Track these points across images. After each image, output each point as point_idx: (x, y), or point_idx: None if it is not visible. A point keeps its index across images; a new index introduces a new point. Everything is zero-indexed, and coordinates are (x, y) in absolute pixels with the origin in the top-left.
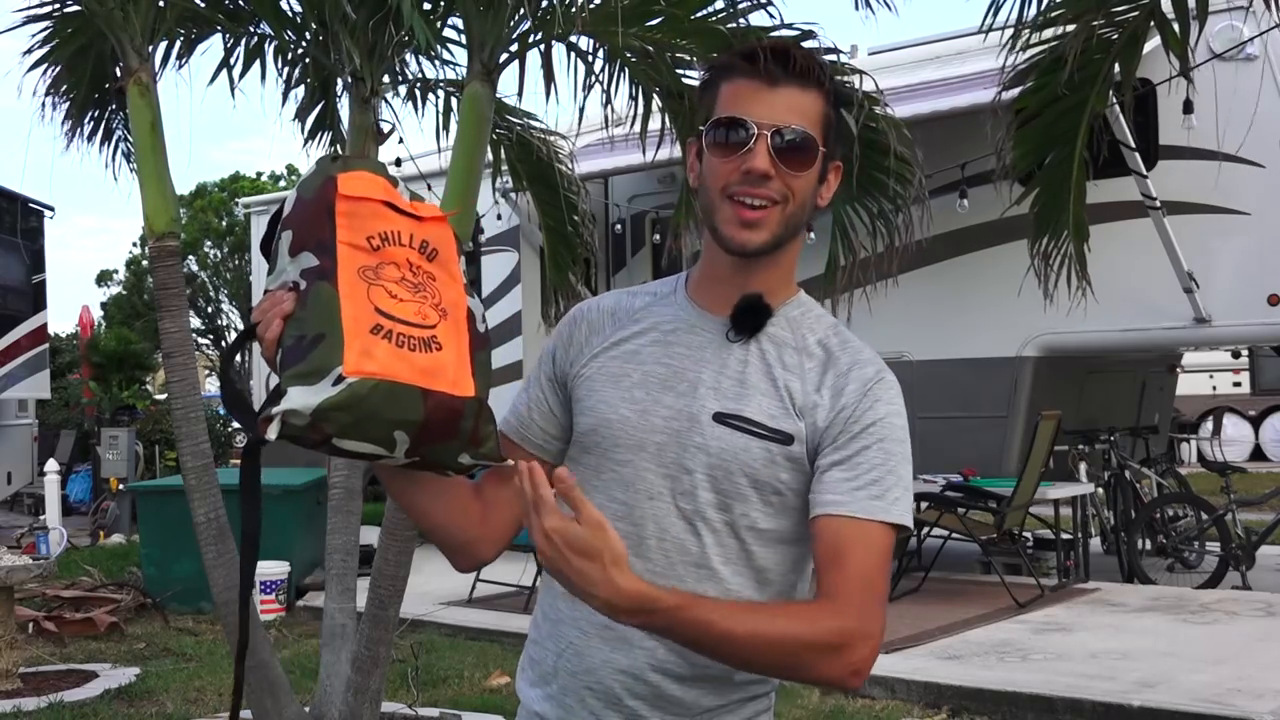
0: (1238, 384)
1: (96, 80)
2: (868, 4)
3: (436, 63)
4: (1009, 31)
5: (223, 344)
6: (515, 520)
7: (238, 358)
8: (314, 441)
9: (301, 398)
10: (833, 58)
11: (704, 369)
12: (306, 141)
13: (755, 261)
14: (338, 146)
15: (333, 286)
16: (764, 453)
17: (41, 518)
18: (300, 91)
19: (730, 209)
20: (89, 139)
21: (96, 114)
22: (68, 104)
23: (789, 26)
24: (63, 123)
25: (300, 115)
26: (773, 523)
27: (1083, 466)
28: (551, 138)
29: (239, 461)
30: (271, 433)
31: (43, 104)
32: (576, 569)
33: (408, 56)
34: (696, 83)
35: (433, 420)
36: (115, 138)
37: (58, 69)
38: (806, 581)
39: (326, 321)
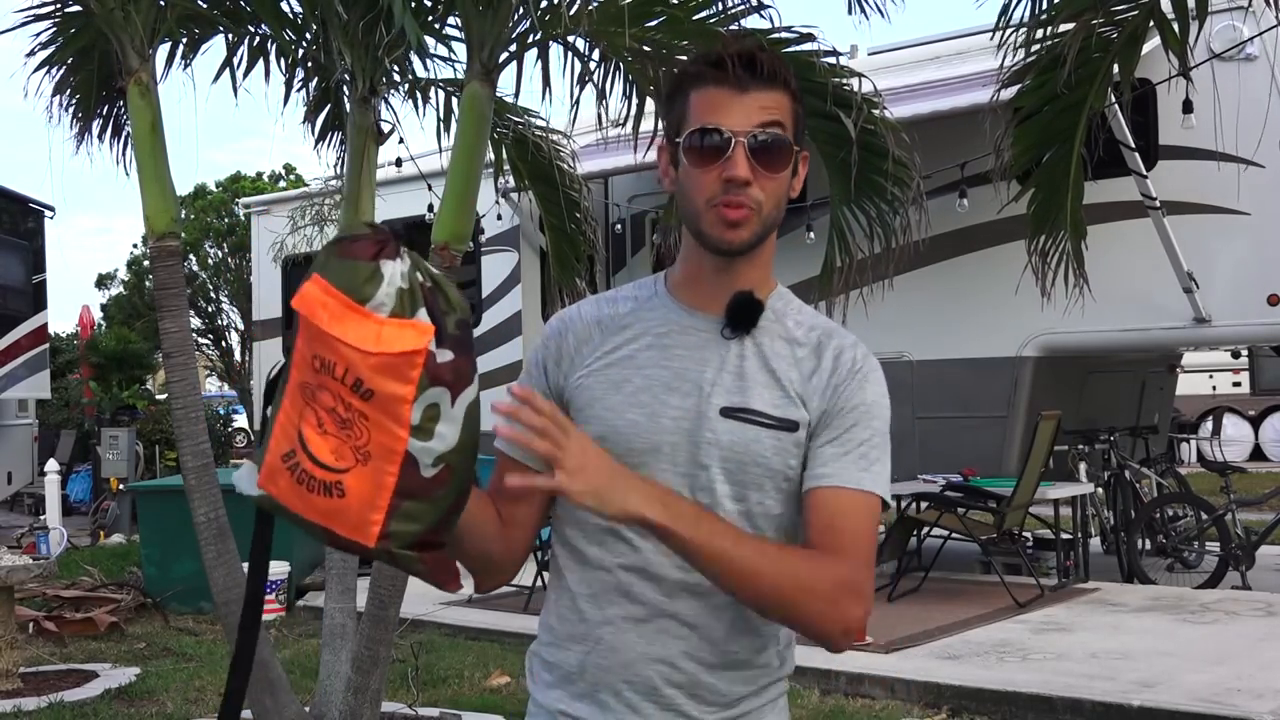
0: (1238, 384)
1: (103, 78)
2: (862, 9)
3: (435, 62)
4: (1012, 31)
5: (223, 343)
6: (530, 540)
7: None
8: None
9: (246, 478)
10: (831, 60)
11: (705, 368)
12: (317, 143)
13: (739, 259)
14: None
15: (283, 388)
16: (774, 441)
17: (42, 518)
18: (305, 93)
19: (714, 213)
20: (99, 136)
21: (105, 110)
22: (74, 104)
23: (787, 29)
24: (70, 124)
25: (309, 117)
26: (784, 507)
27: (1083, 466)
28: (552, 135)
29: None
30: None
31: (50, 104)
32: (613, 471)
33: (411, 56)
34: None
35: (338, 546)
36: (125, 133)
37: (62, 70)
38: None
39: (271, 418)
